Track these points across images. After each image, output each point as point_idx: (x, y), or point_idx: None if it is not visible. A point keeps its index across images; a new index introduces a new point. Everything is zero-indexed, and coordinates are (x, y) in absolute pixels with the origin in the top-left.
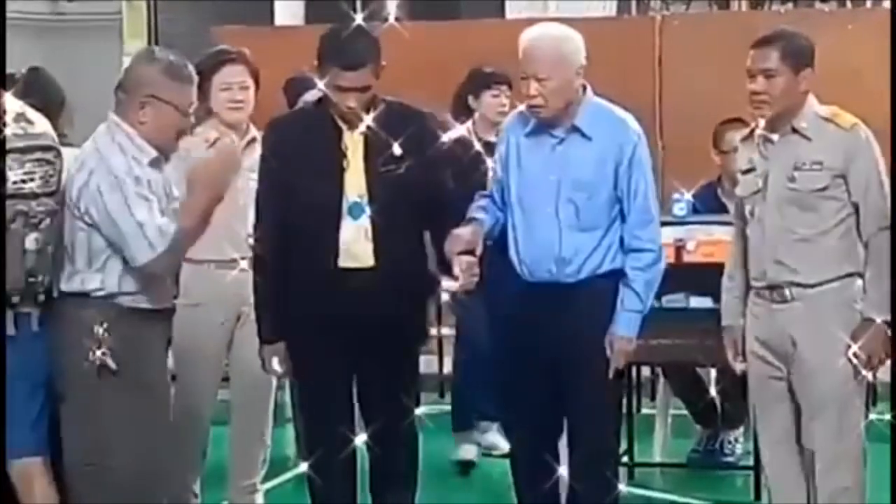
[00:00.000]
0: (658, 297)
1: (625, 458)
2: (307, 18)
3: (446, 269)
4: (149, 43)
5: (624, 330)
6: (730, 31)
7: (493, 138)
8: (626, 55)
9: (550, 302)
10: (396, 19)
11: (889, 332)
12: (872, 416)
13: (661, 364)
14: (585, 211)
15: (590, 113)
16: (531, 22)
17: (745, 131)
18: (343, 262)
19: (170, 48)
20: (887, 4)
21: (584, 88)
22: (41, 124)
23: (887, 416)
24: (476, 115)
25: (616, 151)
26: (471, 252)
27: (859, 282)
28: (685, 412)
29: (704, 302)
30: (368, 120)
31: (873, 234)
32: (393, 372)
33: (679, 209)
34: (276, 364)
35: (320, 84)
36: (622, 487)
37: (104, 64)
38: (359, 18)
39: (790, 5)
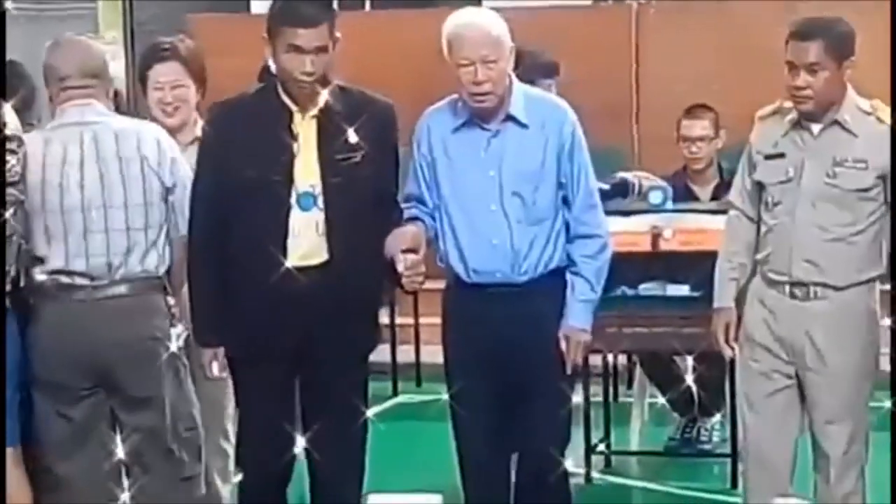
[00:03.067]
0: (635, 285)
1: (602, 447)
2: None
3: (386, 271)
4: (124, 33)
5: (579, 321)
6: (707, 20)
7: None
8: (603, 44)
9: (503, 305)
10: (373, 6)
11: None
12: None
13: (637, 352)
14: (533, 202)
15: (521, 100)
16: (509, 10)
17: (771, 107)
18: (292, 258)
19: (145, 37)
20: None
21: (510, 77)
22: (3, 113)
23: (887, 404)
24: None
25: (556, 136)
26: (413, 251)
27: (878, 285)
28: (662, 400)
29: (681, 290)
30: (324, 96)
31: None
32: (343, 377)
33: (655, 197)
34: (215, 369)
35: (270, 62)
36: (599, 475)
37: None
38: (334, 6)
39: None
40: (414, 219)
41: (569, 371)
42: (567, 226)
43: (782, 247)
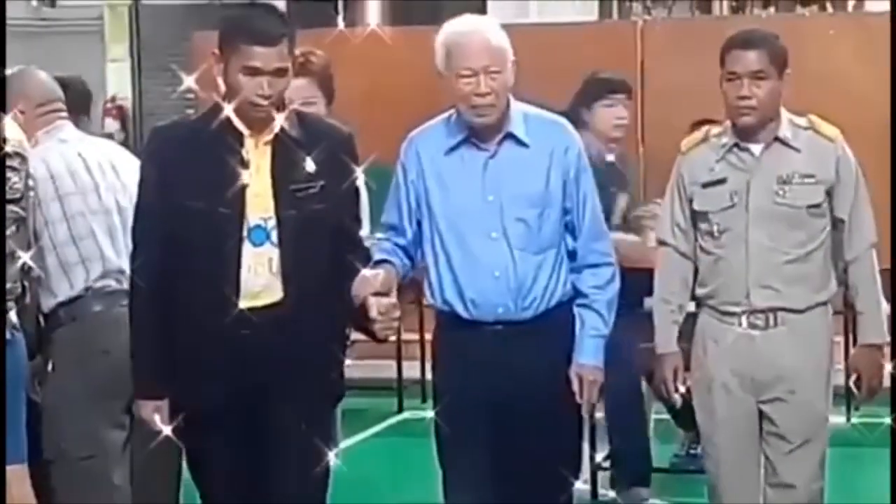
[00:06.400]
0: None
1: (608, 463)
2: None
3: (355, 316)
4: (130, 48)
5: (593, 358)
6: (711, 36)
7: (610, 157)
8: (608, 60)
9: (505, 346)
10: (378, 24)
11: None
12: (854, 420)
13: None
14: (539, 229)
15: (521, 118)
16: (513, 27)
17: (697, 136)
18: (244, 298)
19: (151, 53)
20: (869, 8)
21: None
22: (6, 129)
23: (886, 420)
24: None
25: (561, 158)
26: (385, 295)
27: (830, 308)
28: (668, 416)
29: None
30: (280, 120)
31: (862, 253)
32: (300, 427)
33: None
34: (158, 422)
35: (220, 81)
36: (604, 492)
37: (86, 69)
38: (340, 23)
39: (772, 10)
40: (382, 261)
41: (584, 413)
42: (570, 255)
43: (736, 275)
